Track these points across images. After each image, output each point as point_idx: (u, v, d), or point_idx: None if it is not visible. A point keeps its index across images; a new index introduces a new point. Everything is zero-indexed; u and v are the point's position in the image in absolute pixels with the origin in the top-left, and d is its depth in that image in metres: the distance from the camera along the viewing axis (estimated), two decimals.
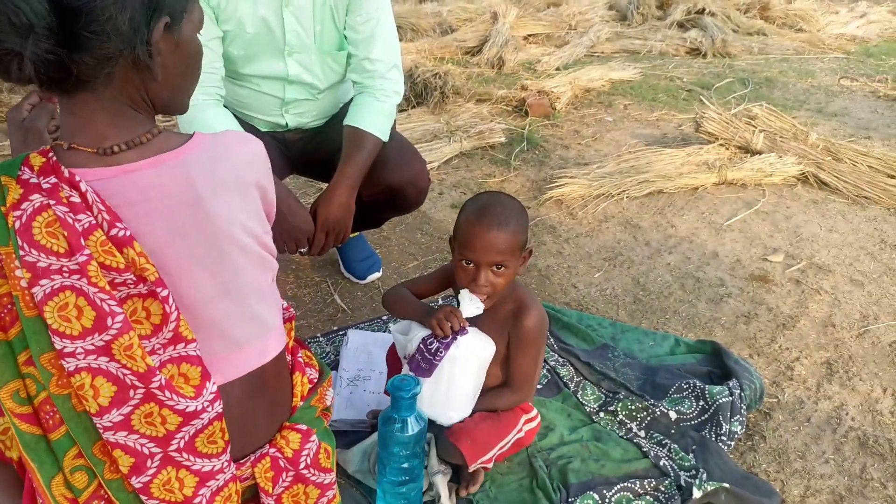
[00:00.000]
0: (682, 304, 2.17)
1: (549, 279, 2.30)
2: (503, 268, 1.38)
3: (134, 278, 0.92)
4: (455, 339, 1.40)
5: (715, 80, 4.42)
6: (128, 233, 0.91)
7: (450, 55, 4.80)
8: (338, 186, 1.81)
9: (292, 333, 1.16)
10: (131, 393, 0.92)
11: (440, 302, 2.17)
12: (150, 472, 0.95)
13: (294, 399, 1.09)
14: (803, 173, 2.93)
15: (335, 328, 2.05)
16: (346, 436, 1.67)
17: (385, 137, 1.89)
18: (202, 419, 0.96)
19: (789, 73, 4.68)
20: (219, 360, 1.00)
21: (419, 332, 1.45)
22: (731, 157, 3.06)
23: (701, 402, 1.68)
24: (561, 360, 1.87)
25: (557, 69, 4.52)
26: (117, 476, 0.95)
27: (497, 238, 1.35)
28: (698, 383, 1.72)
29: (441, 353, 1.39)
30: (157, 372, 0.92)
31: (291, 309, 1.17)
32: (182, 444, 0.96)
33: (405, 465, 1.37)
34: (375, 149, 1.87)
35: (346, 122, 1.88)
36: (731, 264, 2.38)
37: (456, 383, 1.41)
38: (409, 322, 1.51)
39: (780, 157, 2.96)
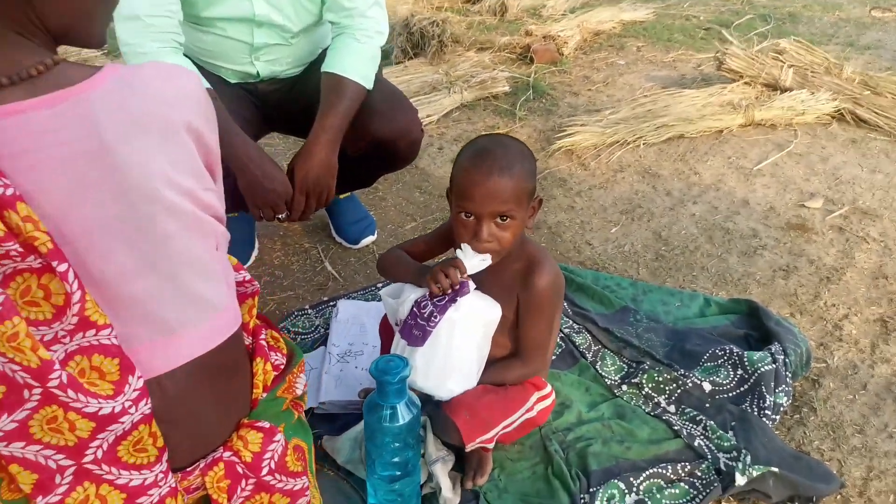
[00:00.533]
0: (711, 258, 1.94)
1: (561, 236, 2.07)
2: (508, 219, 1.16)
3: (20, 249, 0.71)
4: (454, 300, 1.19)
5: (734, 17, 4.10)
6: (10, 191, 0.70)
7: (448, 4, 4.49)
8: (316, 141, 1.59)
9: (254, 311, 0.95)
10: (26, 394, 0.72)
11: None
12: (61, 490, 0.75)
13: (255, 391, 0.89)
14: (838, 110, 2.66)
15: (325, 298, 1.85)
16: (335, 420, 1.49)
17: (368, 84, 1.66)
18: (122, 423, 0.76)
19: (814, 7, 4.34)
20: (146, 348, 0.80)
21: (412, 294, 1.24)
22: (757, 95, 2.79)
23: (739, 371, 1.47)
24: (576, 326, 1.66)
25: (564, 13, 4.21)
26: (19, 496, 0.76)
27: (498, 184, 1.14)
28: (735, 349, 1.50)
29: (436, 317, 1.19)
30: (57, 366, 0.72)
31: (255, 282, 0.96)
32: (100, 455, 0.76)
33: (397, 459, 1.17)
34: (358, 97, 1.64)
35: (324, 68, 1.65)
36: (763, 213, 2.14)
37: (455, 351, 1.21)
38: (401, 284, 1.30)
39: (813, 93, 2.68)
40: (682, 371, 1.48)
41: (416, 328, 1.20)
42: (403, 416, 1.13)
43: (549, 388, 1.32)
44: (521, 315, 1.25)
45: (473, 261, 1.20)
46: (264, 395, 0.89)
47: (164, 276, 0.79)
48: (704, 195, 2.25)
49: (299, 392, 0.98)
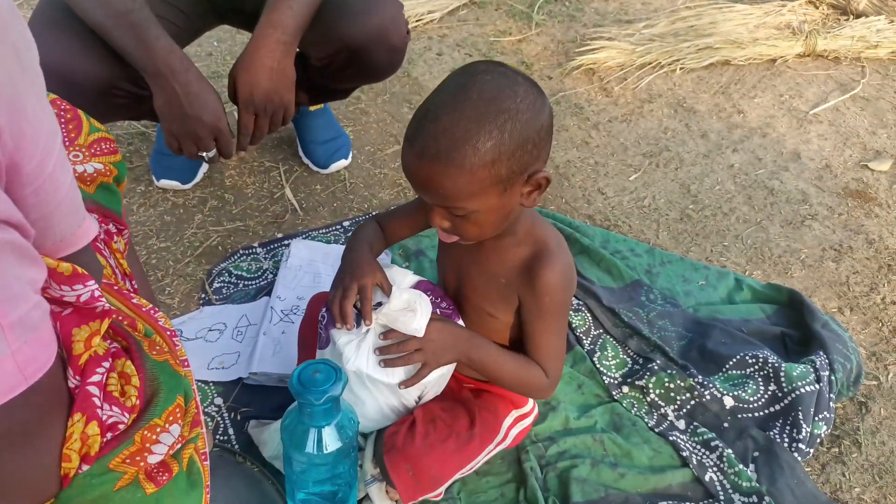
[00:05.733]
0: (748, 225, 1.61)
1: (569, 180, 1.73)
2: (469, 213, 0.83)
3: None
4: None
5: None
6: None
7: None
8: (264, 42, 1.22)
9: (94, 340, 0.61)
10: None
11: None
12: None
13: (64, 464, 0.58)
14: None
15: (280, 236, 1.54)
16: (269, 396, 1.22)
17: None
18: None
19: None
20: None
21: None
22: (823, 19, 2.34)
23: (772, 387, 1.18)
24: (575, 302, 1.36)
25: None
26: None
27: (430, 175, 0.80)
28: (770, 357, 1.21)
29: (322, 336, 0.95)
30: None
31: (103, 300, 0.61)
32: None
33: (324, 489, 0.91)
34: None
35: None
36: (817, 171, 1.78)
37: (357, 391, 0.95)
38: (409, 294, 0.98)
39: (893, 21, 2.24)
40: (700, 378, 1.19)
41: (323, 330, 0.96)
42: (330, 442, 0.85)
43: (531, 404, 1.03)
44: (527, 320, 0.94)
45: (398, 299, 0.89)
46: (84, 468, 0.59)
47: None
48: (747, 141, 1.87)
49: (158, 455, 0.64)
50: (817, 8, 2.38)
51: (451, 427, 0.97)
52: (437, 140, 0.77)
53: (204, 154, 1.24)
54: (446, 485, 0.97)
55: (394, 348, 0.88)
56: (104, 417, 0.59)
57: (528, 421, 1.05)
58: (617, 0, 2.58)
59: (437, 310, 0.96)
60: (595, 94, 2.04)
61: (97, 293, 0.60)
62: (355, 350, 0.89)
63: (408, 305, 0.87)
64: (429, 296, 0.99)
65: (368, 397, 0.93)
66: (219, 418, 1.17)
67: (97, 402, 0.59)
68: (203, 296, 1.39)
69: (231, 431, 1.15)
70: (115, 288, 0.78)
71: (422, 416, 0.97)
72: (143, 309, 0.77)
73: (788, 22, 2.30)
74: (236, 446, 1.13)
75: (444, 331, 0.90)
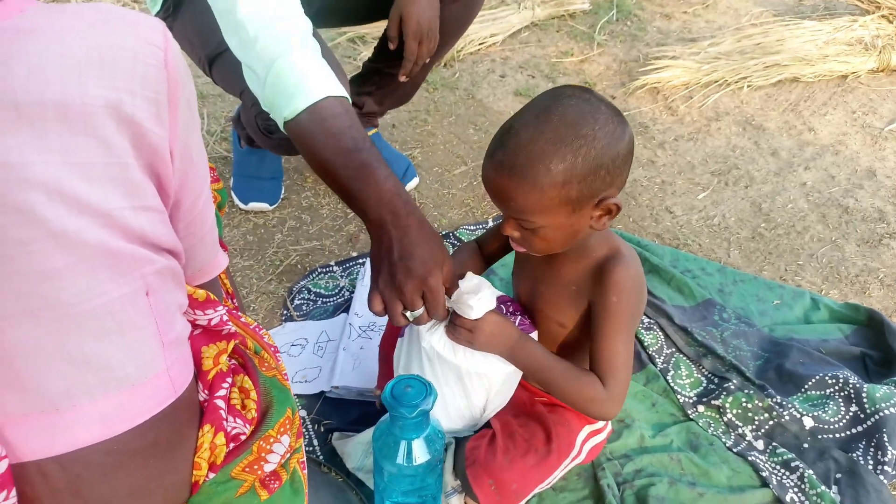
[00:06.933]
0: (823, 244, 1.59)
1: (636, 199, 1.74)
2: (537, 227, 0.88)
3: None
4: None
5: None
6: None
7: None
8: None
9: (222, 358, 0.68)
10: None
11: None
12: None
13: (196, 472, 0.64)
14: None
15: (354, 254, 1.60)
16: (350, 409, 1.27)
17: None
18: None
19: None
20: (14, 423, 0.55)
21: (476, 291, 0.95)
22: None
23: (853, 408, 1.16)
24: (646, 321, 1.37)
25: None
26: None
27: (506, 188, 0.85)
28: (851, 378, 1.19)
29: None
30: None
31: (230, 324, 0.69)
32: None
33: (411, 501, 0.95)
34: None
35: None
36: (894, 189, 1.74)
37: (435, 382, 0.98)
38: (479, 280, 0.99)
39: None
40: (779, 398, 1.19)
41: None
42: (420, 455, 0.89)
43: (604, 421, 1.05)
44: (594, 324, 0.95)
45: (474, 303, 0.91)
46: (210, 475, 0.65)
47: (46, 329, 0.53)
48: (819, 159, 1.85)
49: (272, 464, 0.70)
50: (891, 22, 2.34)
51: (530, 442, 1.00)
52: (514, 156, 0.82)
53: (408, 313, 0.92)
54: (526, 499, 1.00)
55: (449, 324, 0.94)
56: (229, 429, 0.65)
57: (602, 437, 1.07)
58: (680, 19, 2.59)
59: (516, 323, 1.00)
60: (660, 113, 2.05)
61: (225, 317, 0.67)
62: (430, 328, 0.94)
63: (476, 289, 0.92)
64: (508, 306, 1.03)
65: (437, 402, 0.96)
66: (304, 430, 1.23)
67: (223, 415, 0.65)
68: (285, 312, 1.46)
69: (315, 442, 1.21)
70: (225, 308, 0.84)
71: (501, 430, 1.00)
72: (251, 327, 0.83)
73: (860, 37, 2.25)
74: (321, 457, 1.18)
75: (497, 324, 0.93)
